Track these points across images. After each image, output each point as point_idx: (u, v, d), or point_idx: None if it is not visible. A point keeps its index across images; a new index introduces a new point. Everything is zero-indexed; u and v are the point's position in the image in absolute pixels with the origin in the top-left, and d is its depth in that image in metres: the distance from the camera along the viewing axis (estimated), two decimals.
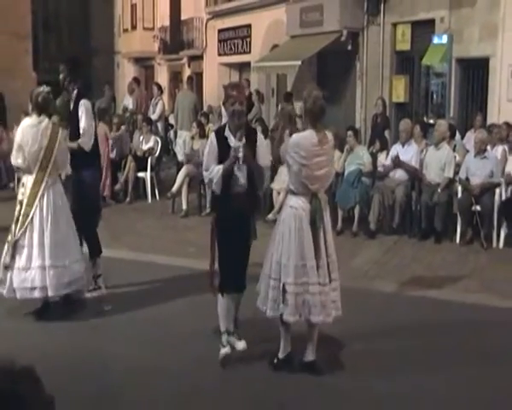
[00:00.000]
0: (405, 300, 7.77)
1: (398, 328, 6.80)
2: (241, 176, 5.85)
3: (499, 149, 10.71)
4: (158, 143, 14.26)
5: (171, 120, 17.95)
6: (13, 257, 6.70)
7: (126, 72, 29.02)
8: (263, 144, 6.29)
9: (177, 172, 12.88)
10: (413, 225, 10.81)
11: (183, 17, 25.86)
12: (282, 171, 11.86)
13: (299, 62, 16.86)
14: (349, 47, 16.66)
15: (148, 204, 13.53)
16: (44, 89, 7.12)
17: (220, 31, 23.00)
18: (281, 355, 5.83)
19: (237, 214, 5.85)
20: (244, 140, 5.79)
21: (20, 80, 20.91)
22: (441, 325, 6.92)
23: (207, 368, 5.83)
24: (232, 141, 5.80)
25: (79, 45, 32.17)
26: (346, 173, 11.23)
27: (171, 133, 17.36)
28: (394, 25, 15.85)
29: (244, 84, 16.53)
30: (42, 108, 6.91)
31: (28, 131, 6.83)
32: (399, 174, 10.97)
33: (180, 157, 13.81)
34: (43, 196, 6.76)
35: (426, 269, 8.99)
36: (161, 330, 6.63)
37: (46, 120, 6.91)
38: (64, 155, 7.06)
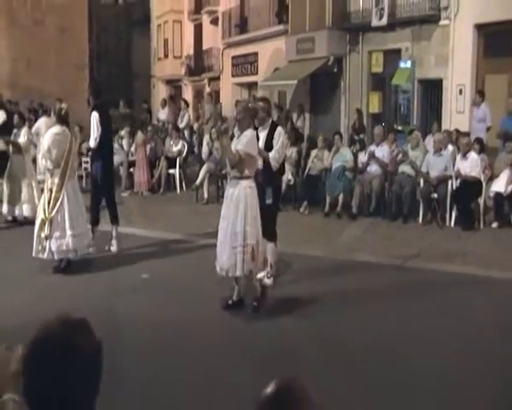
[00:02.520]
0: (378, 267, 7.78)
1: (370, 286, 6.88)
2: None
3: (450, 149, 10.68)
4: (185, 146, 14.24)
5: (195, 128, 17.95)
6: (50, 230, 7.18)
7: (160, 91, 28.99)
8: (278, 137, 6.72)
9: (200, 169, 12.87)
10: (386, 209, 10.80)
11: (204, 47, 25.82)
12: None
13: (296, 81, 16.84)
14: (335, 69, 16.63)
15: (176, 194, 13.54)
16: (64, 105, 7.72)
17: (233, 57, 22.93)
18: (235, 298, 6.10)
19: (258, 184, 6.40)
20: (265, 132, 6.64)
21: (79, 102, 21.01)
22: (403, 284, 6.98)
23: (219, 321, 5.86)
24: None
25: (124, 71, 32.24)
26: (332, 169, 11.20)
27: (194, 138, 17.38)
28: (370, 52, 15.82)
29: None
30: (63, 120, 7.44)
31: (56, 138, 7.28)
32: (375, 169, 10.96)
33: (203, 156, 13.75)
34: (67, 184, 7.30)
35: (395, 243, 8.99)
36: (185, 291, 6.65)
37: (67, 129, 7.43)
38: (76, 155, 7.78)
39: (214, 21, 24.54)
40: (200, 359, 5.02)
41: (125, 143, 14.24)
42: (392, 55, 14.78)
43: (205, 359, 5.02)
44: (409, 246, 8.76)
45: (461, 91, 12.87)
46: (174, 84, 29.11)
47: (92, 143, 8.10)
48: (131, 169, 13.95)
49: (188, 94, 26.87)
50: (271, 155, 6.68)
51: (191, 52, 27.05)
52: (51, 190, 7.25)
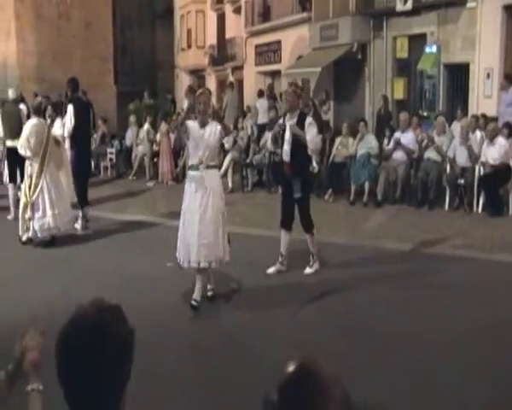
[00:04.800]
0: (405, 254, 7.72)
1: (396, 272, 6.84)
2: (288, 148, 6.63)
3: (478, 135, 10.49)
4: None
5: None
6: (32, 212, 8.03)
7: (183, 81, 29.02)
8: (308, 127, 6.65)
9: (224, 158, 12.85)
10: (411, 196, 10.68)
11: (227, 36, 25.72)
12: None
13: (320, 69, 16.70)
14: (359, 56, 16.45)
15: None
16: (39, 99, 8.96)
17: (257, 46, 22.83)
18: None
19: (286, 178, 6.77)
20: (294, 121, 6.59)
21: (104, 93, 21.28)
22: (430, 270, 6.91)
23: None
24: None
25: (147, 62, 32.34)
26: (357, 156, 11.11)
27: None
28: (395, 38, 15.58)
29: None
30: (38, 112, 8.39)
31: (34, 128, 8.11)
32: (400, 156, 10.85)
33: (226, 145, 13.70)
34: (46, 171, 8.08)
35: (421, 230, 8.88)
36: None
37: (43, 121, 8.34)
38: (54, 143, 8.36)
39: (237, 10, 24.44)
40: (222, 346, 5.04)
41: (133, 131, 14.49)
42: (418, 40, 14.54)
43: (227, 346, 5.03)
44: (435, 233, 8.65)
45: (488, 75, 12.62)
46: (197, 74, 29.10)
47: (66, 132, 9.01)
48: (156, 159, 14.02)
49: (211, 83, 26.85)
50: (309, 137, 6.54)
51: (214, 42, 27.01)
52: (31, 177, 8.08)
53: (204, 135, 5.87)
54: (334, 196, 11.13)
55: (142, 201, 11.76)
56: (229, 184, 12.35)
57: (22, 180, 9.95)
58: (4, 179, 10.66)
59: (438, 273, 6.84)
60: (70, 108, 9.03)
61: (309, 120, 6.76)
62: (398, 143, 10.82)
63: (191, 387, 4.37)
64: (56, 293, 6.20)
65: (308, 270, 6.89)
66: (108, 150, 15.16)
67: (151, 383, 4.13)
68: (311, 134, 6.60)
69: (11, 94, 11.12)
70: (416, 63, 14.50)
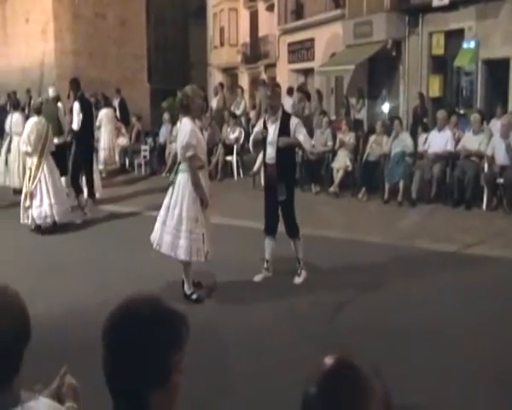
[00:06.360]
0: (440, 254, 7.55)
1: (431, 273, 6.69)
2: (272, 151, 6.31)
3: None
4: (242, 133, 14.22)
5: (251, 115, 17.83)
6: (30, 201, 8.74)
7: (216, 79, 29.10)
8: (296, 126, 6.34)
9: (257, 156, 12.79)
10: (447, 195, 10.44)
11: (260, 34, 25.70)
12: (341, 153, 11.65)
13: (353, 66, 16.53)
14: (394, 53, 16.24)
15: (234, 181, 13.56)
16: (39, 100, 9.88)
17: (289, 44, 22.74)
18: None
19: (271, 180, 6.43)
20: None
21: (138, 90, 21.51)
22: (467, 271, 6.72)
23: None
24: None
25: (181, 60, 32.54)
26: (392, 154, 10.93)
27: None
28: (430, 34, 15.33)
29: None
30: (38, 111, 9.12)
31: (34, 126, 8.86)
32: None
33: None
34: (44, 164, 8.82)
35: (457, 231, 8.68)
36: (245, 275, 6.62)
37: (43, 119, 9.00)
38: (52, 140, 9.16)
39: (270, 8, 24.38)
40: (245, 342, 4.99)
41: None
42: (454, 36, 14.27)
43: (250, 343, 4.98)
44: (472, 233, 8.45)
45: None
46: (230, 72, 29.16)
47: (75, 126, 9.84)
48: None
49: (244, 81, 26.84)
50: (302, 138, 6.24)
51: (247, 40, 27.00)
52: (31, 169, 8.83)
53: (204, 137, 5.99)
54: (367, 195, 10.98)
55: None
56: (262, 182, 12.25)
57: (63, 174, 10.27)
58: None
59: (475, 275, 6.66)
60: (76, 105, 9.82)
61: (295, 120, 6.41)
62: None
63: (193, 391, 4.34)
64: (93, 290, 6.23)
65: (297, 279, 6.49)
66: (142, 147, 15.25)
67: None
68: (303, 134, 6.27)
69: (51, 92, 11.63)
70: (452, 60, 14.23)
